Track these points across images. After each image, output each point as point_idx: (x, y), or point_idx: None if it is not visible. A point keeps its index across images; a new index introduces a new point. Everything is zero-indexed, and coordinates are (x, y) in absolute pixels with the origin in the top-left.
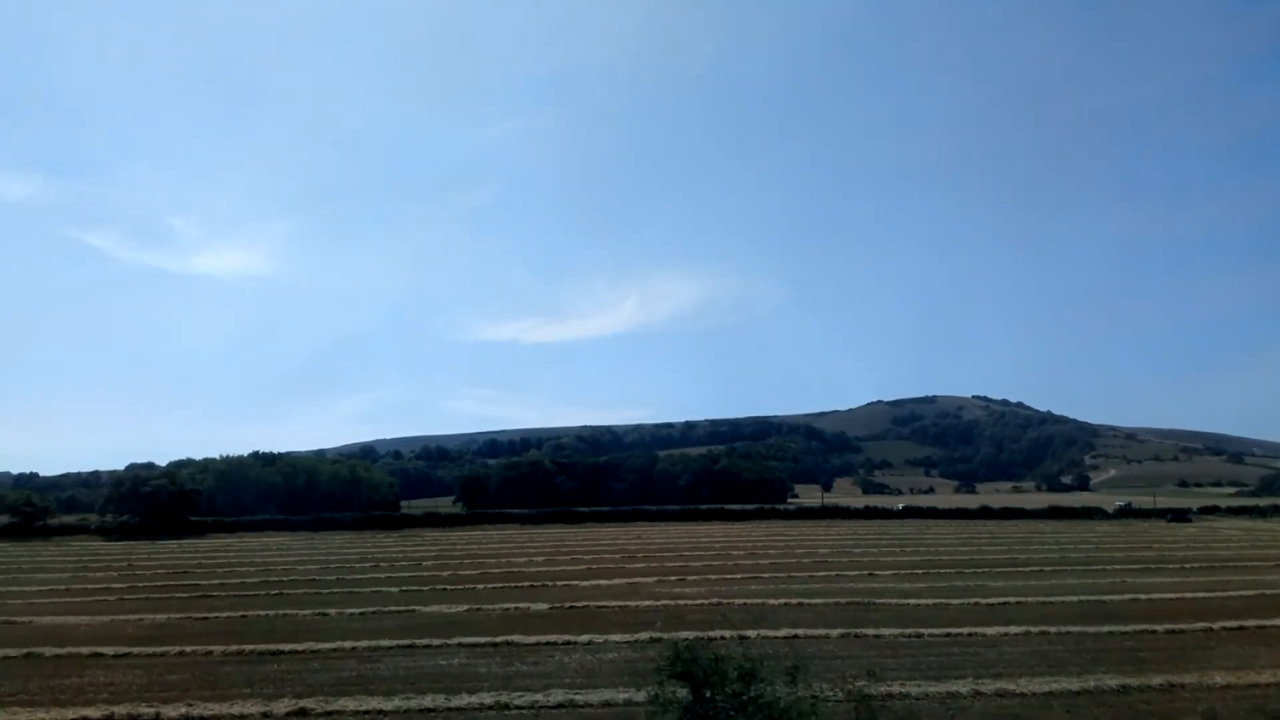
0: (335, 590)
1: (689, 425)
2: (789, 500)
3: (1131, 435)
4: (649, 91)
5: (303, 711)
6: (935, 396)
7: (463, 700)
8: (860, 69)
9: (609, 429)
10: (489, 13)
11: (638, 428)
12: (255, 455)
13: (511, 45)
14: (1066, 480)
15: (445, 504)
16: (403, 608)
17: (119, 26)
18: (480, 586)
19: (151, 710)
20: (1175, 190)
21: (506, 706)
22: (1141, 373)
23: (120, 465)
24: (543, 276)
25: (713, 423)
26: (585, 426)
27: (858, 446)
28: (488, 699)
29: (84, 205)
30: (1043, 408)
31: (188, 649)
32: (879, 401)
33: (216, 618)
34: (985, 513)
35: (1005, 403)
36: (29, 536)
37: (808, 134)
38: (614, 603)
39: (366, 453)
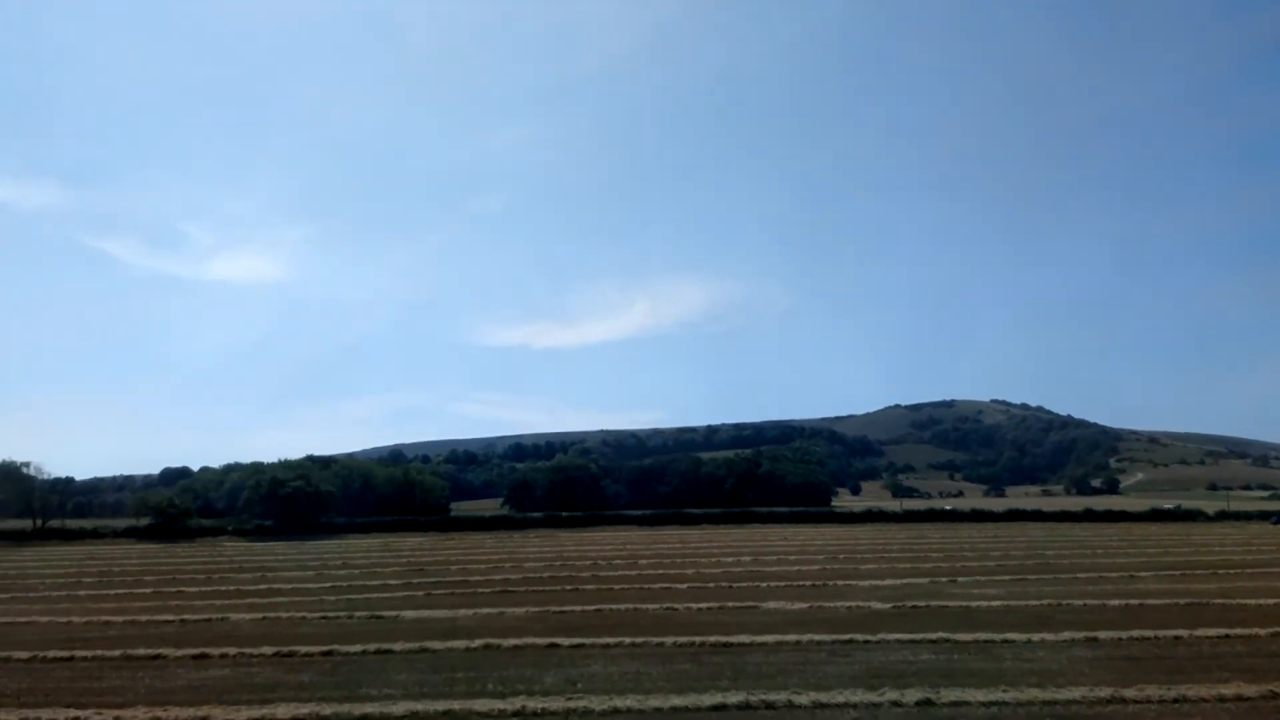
0: (633, 587)
1: (711, 429)
2: (832, 504)
3: (1154, 439)
4: (658, 96)
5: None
6: (953, 400)
7: (955, 694)
8: (868, 71)
9: (631, 433)
10: (499, 19)
11: (659, 431)
12: (311, 459)
13: (521, 51)
14: (1096, 484)
15: (481, 506)
16: (744, 604)
17: (134, 36)
18: (763, 585)
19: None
20: (1189, 190)
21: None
22: (1158, 376)
23: (137, 470)
24: (552, 281)
25: (736, 426)
26: (608, 431)
27: (879, 450)
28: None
29: (99, 212)
30: (1062, 411)
31: (637, 640)
32: (897, 405)
33: (619, 610)
34: (1045, 516)
35: (1025, 406)
36: (173, 538)
37: (817, 137)
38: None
39: (395, 456)
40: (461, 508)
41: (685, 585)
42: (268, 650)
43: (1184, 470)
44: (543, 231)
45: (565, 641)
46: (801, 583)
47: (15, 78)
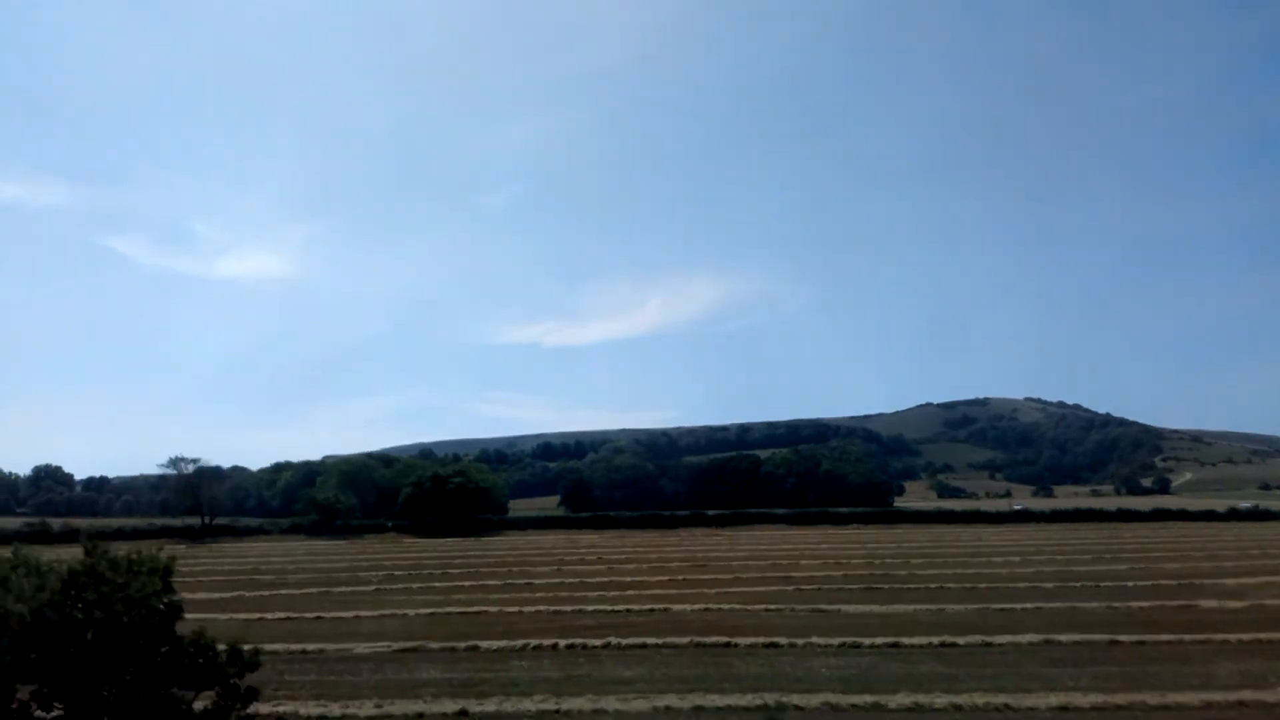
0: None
1: (743, 428)
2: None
3: (1197, 437)
4: (668, 92)
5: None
6: (987, 398)
7: None
8: (883, 66)
9: (663, 432)
10: (508, 14)
11: (690, 430)
12: (370, 456)
13: (531, 46)
14: (1146, 483)
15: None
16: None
17: (142, 36)
18: (1174, 584)
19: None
20: (1220, 185)
21: None
22: (1192, 373)
23: (149, 469)
24: (563, 278)
25: (769, 425)
26: (630, 430)
27: (916, 450)
28: None
29: (109, 211)
30: (1099, 409)
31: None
32: (928, 404)
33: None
34: (1129, 515)
35: (1062, 404)
36: (333, 534)
37: (833, 132)
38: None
39: (425, 454)
40: (514, 507)
41: (1078, 584)
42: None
43: (1232, 469)
44: (554, 229)
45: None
46: (1168, 581)
47: (25, 77)
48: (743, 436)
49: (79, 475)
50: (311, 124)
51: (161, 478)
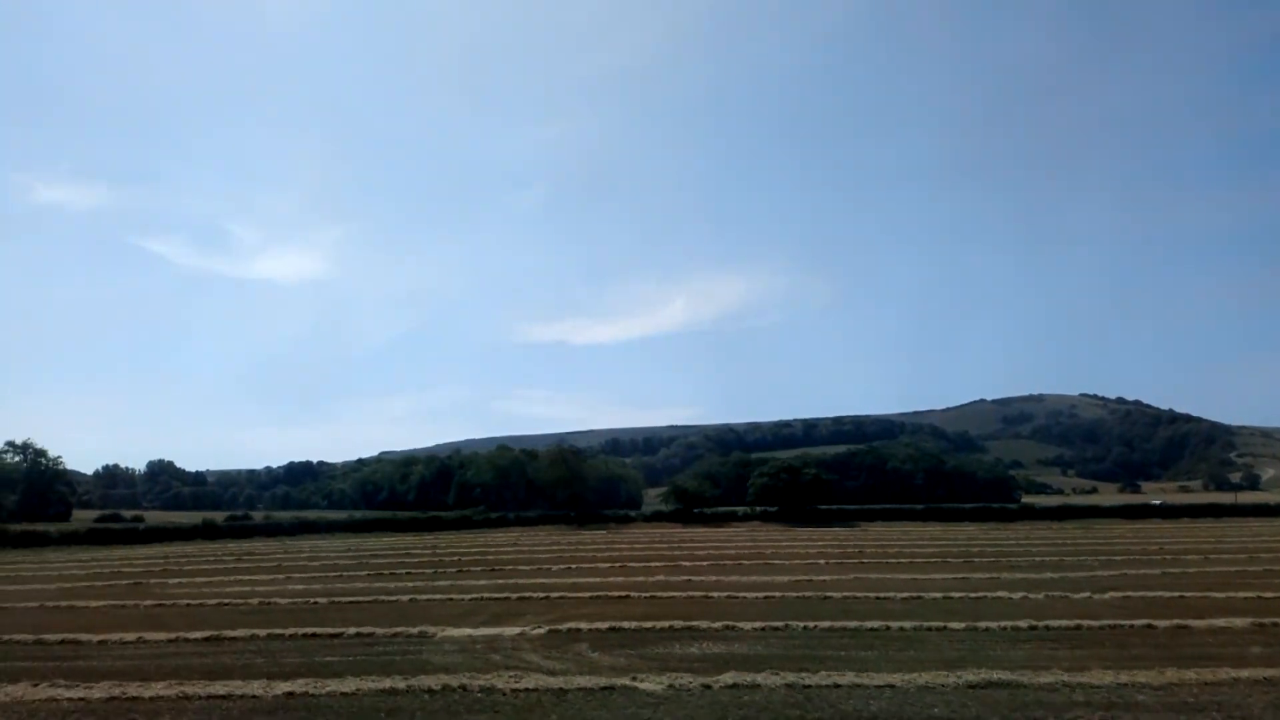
0: None
1: (808, 424)
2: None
3: (1269, 434)
4: (695, 91)
5: None
6: (1042, 395)
7: None
8: (911, 62)
9: (729, 428)
10: (538, 14)
11: (756, 426)
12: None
13: (559, 47)
14: (1236, 479)
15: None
16: None
17: (179, 41)
18: None
19: None
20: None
21: None
22: (1248, 368)
23: (198, 466)
24: (590, 277)
25: (835, 420)
26: (718, 425)
27: (981, 446)
28: None
29: (147, 213)
30: (1160, 405)
31: None
32: (982, 400)
33: None
34: (1260, 510)
35: (1121, 400)
36: (698, 522)
37: (861, 128)
38: None
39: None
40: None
41: None
42: None
43: None
44: (580, 227)
45: None
46: None
47: (64, 83)
48: (809, 433)
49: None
50: (343, 126)
51: (270, 470)
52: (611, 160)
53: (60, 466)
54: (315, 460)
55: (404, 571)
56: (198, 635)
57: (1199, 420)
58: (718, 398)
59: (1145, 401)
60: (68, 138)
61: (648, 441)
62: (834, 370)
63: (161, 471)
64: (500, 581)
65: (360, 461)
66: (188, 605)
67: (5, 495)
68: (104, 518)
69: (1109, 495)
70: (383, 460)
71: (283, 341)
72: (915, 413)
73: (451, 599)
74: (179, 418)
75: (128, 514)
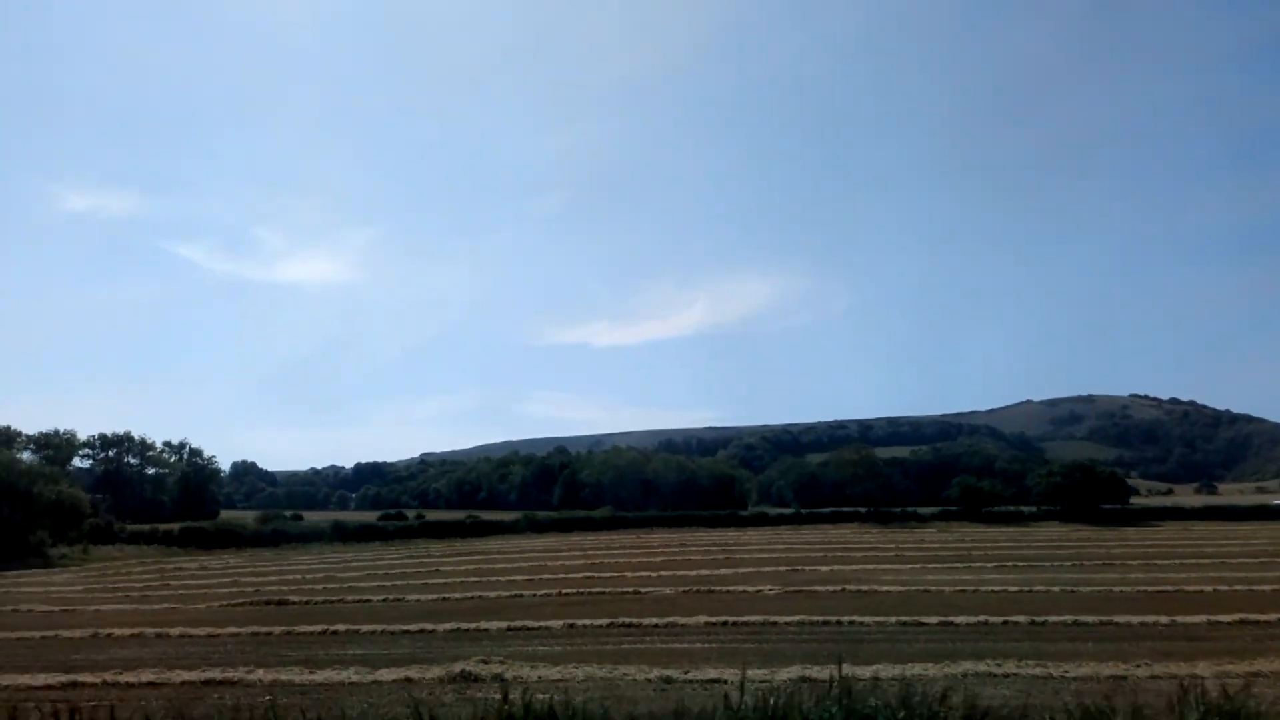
0: None
1: (863, 424)
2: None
3: None
4: (717, 93)
5: None
6: (1093, 395)
7: None
8: (936, 60)
9: (785, 428)
10: (560, 18)
11: (811, 427)
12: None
13: (580, 51)
14: None
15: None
16: None
17: (206, 48)
18: None
19: None
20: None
21: None
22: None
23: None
24: (612, 280)
25: (890, 421)
26: (769, 426)
27: (1040, 448)
28: None
29: (177, 219)
30: (1217, 405)
31: None
32: (1029, 401)
33: None
34: None
35: (1176, 401)
36: (990, 522)
37: (883, 128)
38: None
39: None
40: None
41: None
42: None
43: None
44: (602, 230)
45: None
46: None
47: (93, 92)
48: (865, 433)
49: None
50: (367, 131)
51: (338, 470)
52: (632, 163)
53: (215, 466)
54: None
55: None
56: None
57: (1260, 420)
58: (741, 400)
59: (1200, 402)
60: (97, 146)
61: (701, 443)
62: (861, 372)
63: (246, 472)
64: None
65: (423, 462)
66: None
67: (162, 494)
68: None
69: (1186, 496)
70: (481, 460)
71: (307, 345)
72: (958, 414)
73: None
74: (207, 420)
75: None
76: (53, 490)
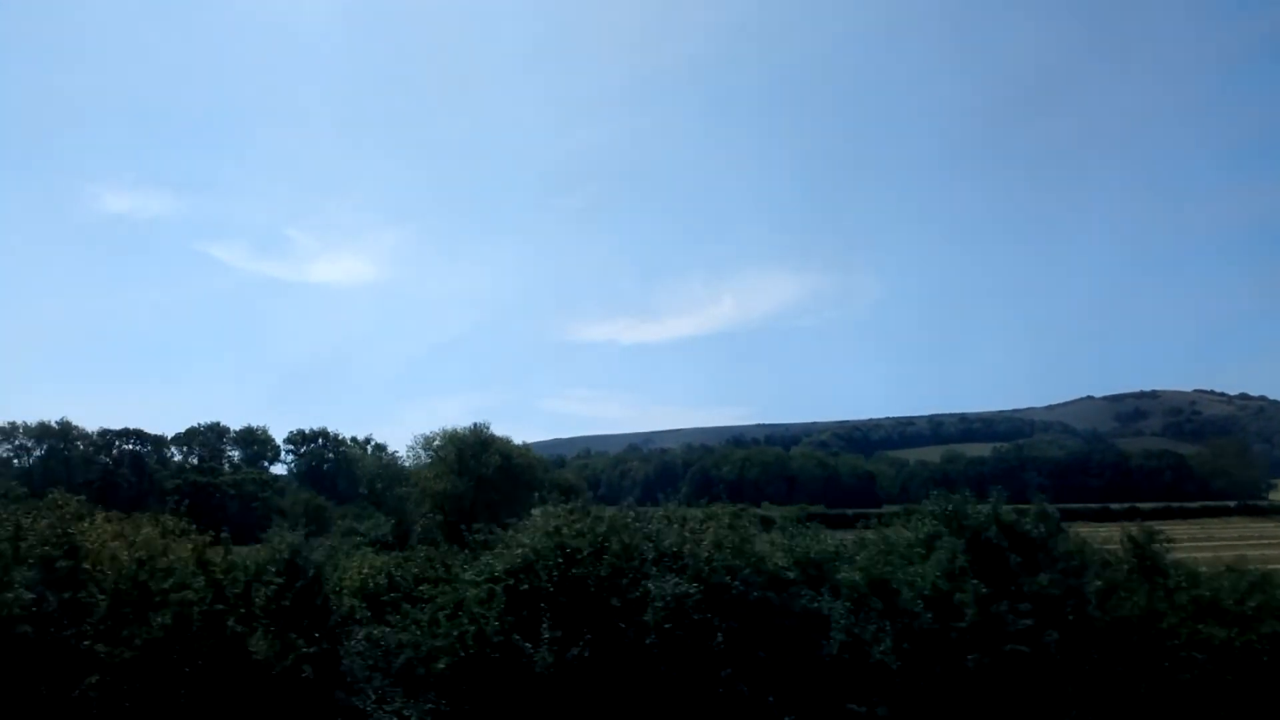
0: None
1: (933, 421)
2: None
3: None
4: (741, 89)
5: None
6: (1156, 390)
7: None
8: (962, 54)
9: (855, 425)
10: (584, 19)
11: (879, 424)
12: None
13: (605, 50)
14: None
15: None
16: None
17: (239, 53)
18: None
19: None
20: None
21: None
22: None
23: None
24: (639, 277)
25: (961, 418)
26: (842, 423)
27: (1113, 444)
28: None
29: (211, 220)
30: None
31: None
32: (1089, 397)
33: None
34: None
35: (1246, 396)
36: None
37: (917, 122)
38: None
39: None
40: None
41: None
42: None
43: None
44: (629, 227)
45: None
46: None
47: (129, 93)
48: (937, 431)
49: None
50: (396, 132)
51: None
52: (657, 159)
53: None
54: None
55: None
56: None
57: None
58: (772, 396)
59: (1271, 396)
60: (135, 148)
61: (769, 439)
62: (898, 368)
63: None
64: None
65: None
66: None
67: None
68: None
69: None
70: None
71: (340, 343)
72: (1014, 411)
73: None
74: (235, 417)
75: None
76: None
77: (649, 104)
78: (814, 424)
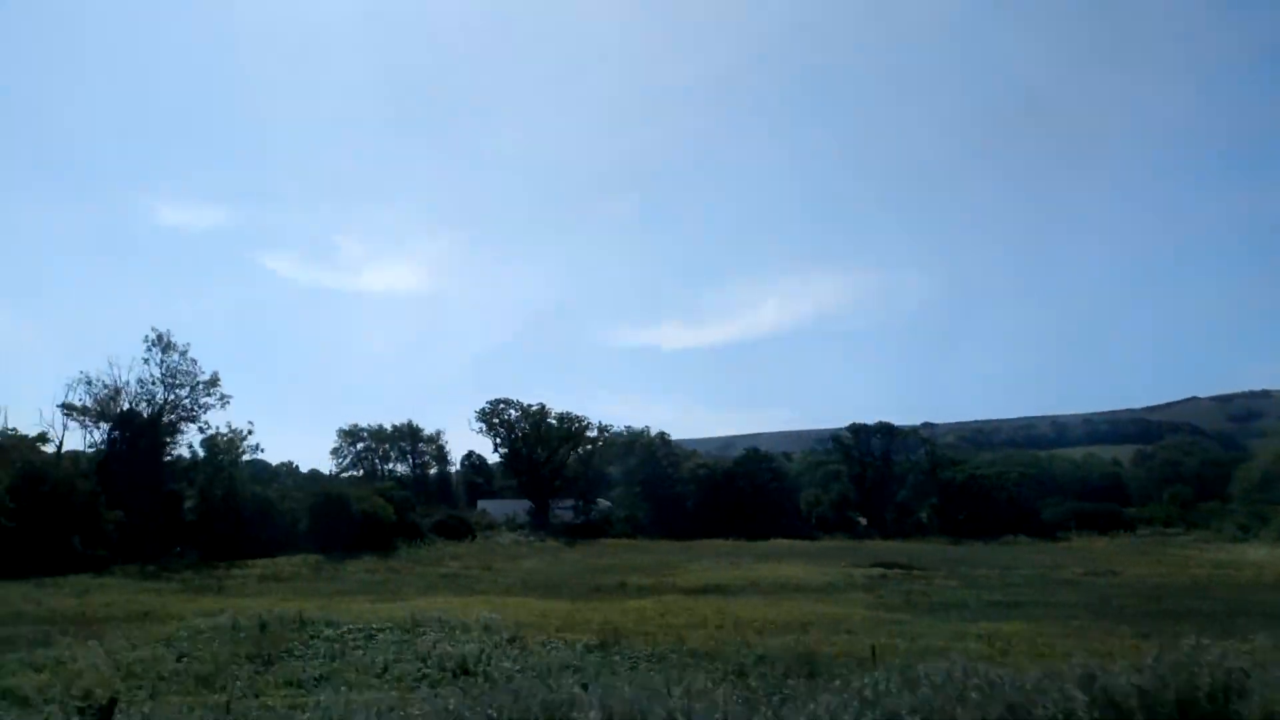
0: None
1: (1057, 424)
2: None
3: None
4: (787, 91)
5: None
6: (1269, 390)
7: None
8: (1008, 49)
9: (977, 428)
10: (626, 24)
11: (1000, 425)
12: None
13: (650, 51)
14: None
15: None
16: None
17: (287, 69)
18: None
19: None
20: None
21: None
22: None
23: None
24: (682, 282)
25: (1085, 420)
26: (967, 423)
27: (1241, 447)
28: None
29: (261, 230)
30: None
31: None
32: (1195, 397)
33: None
34: None
35: None
36: None
37: (959, 115)
38: None
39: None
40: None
41: None
42: None
43: None
44: (673, 232)
45: None
46: None
47: (179, 109)
48: (1063, 434)
49: None
50: (443, 140)
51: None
52: (701, 162)
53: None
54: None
55: None
56: None
57: None
58: (824, 399)
59: None
60: (187, 161)
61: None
62: (967, 368)
63: None
64: None
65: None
66: None
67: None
68: None
69: None
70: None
71: (387, 351)
72: (1113, 412)
73: None
74: (290, 427)
75: None
76: None
77: (695, 107)
78: (929, 424)
